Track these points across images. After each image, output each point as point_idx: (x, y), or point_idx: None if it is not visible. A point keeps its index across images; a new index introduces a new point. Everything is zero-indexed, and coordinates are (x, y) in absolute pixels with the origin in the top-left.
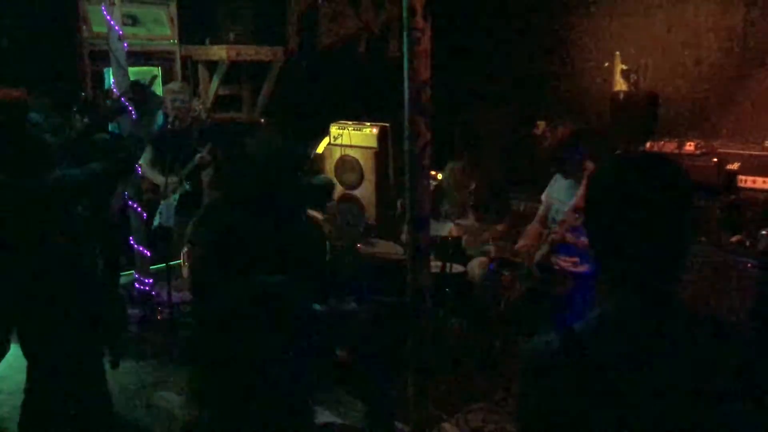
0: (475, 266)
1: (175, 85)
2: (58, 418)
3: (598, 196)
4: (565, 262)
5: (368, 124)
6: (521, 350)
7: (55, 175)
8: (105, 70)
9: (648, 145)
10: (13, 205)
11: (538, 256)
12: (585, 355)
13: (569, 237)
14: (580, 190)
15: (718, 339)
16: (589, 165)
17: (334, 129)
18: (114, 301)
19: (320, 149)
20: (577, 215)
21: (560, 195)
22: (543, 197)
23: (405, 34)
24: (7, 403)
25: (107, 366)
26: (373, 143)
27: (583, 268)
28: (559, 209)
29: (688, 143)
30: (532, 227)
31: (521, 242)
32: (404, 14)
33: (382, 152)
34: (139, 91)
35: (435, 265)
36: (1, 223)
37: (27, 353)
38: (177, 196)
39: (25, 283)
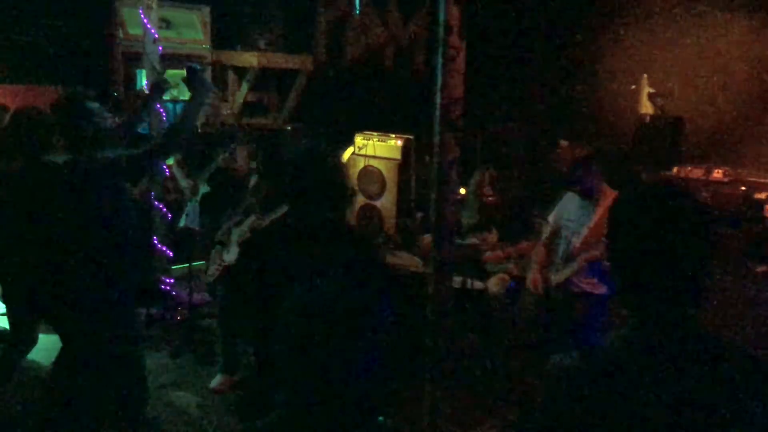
0: (495, 283)
1: None
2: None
3: (620, 224)
4: (586, 284)
5: (393, 135)
6: (547, 365)
7: (105, 153)
8: (137, 71)
9: (675, 170)
10: (68, 182)
11: (560, 277)
12: (602, 371)
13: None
14: (598, 213)
15: (732, 362)
16: (606, 188)
17: (358, 139)
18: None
19: (344, 158)
20: (600, 235)
21: (574, 215)
22: (551, 218)
23: (440, 51)
24: None
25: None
26: (397, 155)
27: (602, 290)
28: (575, 230)
29: (716, 170)
30: (540, 252)
31: (533, 276)
32: (440, 31)
33: (405, 164)
34: (192, 75)
35: (455, 280)
36: (53, 201)
37: (62, 335)
38: (199, 196)
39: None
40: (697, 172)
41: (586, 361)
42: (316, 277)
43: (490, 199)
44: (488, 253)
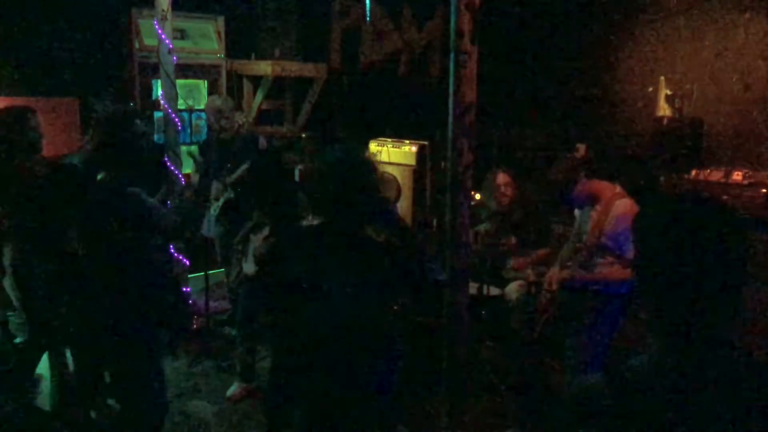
0: (513, 290)
1: (217, 101)
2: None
3: (649, 241)
4: (582, 276)
5: (407, 141)
6: (570, 389)
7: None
8: (153, 81)
9: (693, 173)
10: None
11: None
12: (632, 397)
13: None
14: (596, 212)
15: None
16: (603, 187)
17: (373, 146)
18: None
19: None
20: (598, 238)
21: (585, 217)
22: (576, 216)
23: (452, 56)
24: None
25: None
26: (412, 161)
27: (613, 288)
28: (585, 231)
29: (736, 172)
30: (566, 251)
31: (550, 272)
32: (452, 37)
33: (420, 170)
34: None
35: (471, 286)
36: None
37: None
38: (221, 202)
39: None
40: (716, 175)
41: (611, 384)
42: (334, 290)
43: (505, 200)
44: (511, 262)
